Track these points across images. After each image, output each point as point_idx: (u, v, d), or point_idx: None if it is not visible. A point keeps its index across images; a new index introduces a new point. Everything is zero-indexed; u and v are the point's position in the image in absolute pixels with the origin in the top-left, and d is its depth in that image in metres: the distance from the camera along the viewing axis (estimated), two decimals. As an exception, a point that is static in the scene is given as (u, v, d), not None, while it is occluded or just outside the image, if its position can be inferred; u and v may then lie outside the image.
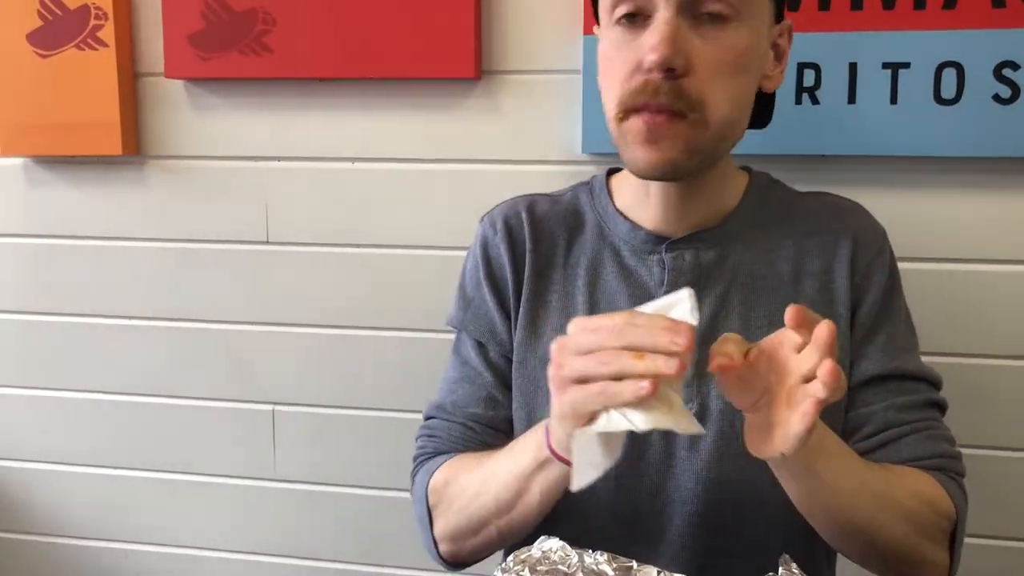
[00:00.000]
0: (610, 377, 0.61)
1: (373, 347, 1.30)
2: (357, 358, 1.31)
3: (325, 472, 1.35)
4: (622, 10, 0.76)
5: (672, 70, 0.73)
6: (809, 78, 1.09)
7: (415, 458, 0.91)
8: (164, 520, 1.43)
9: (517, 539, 0.79)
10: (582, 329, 0.64)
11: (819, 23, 1.07)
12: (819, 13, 1.07)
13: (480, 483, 0.80)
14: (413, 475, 0.90)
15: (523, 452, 0.76)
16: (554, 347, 0.65)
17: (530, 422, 0.86)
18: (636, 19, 0.76)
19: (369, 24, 1.19)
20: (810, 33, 1.08)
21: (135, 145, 1.32)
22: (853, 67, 1.08)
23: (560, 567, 0.64)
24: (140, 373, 1.39)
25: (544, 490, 0.75)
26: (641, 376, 0.59)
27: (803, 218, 0.87)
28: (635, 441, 0.82)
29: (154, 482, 1.42)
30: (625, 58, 0.76)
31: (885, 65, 1.07)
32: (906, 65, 1.07)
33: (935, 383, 0.85)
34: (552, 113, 1.20)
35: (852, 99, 1.09)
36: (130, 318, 1.37)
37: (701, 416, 0.81)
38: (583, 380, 0.63)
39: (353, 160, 1.26)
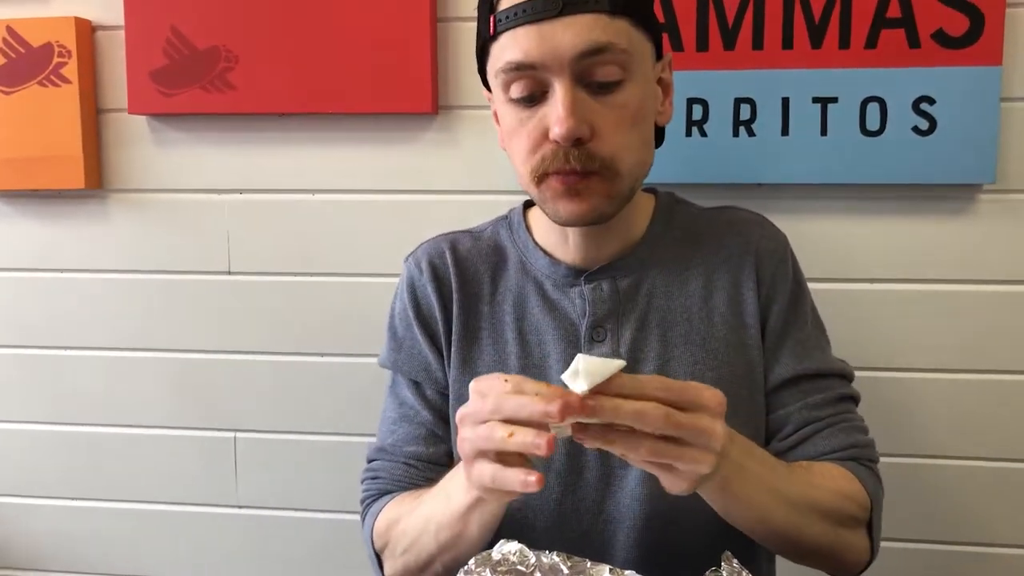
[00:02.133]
0: (495, 456, 0.65)
1: (332, 373, 1.33)
2: (319, 385, 1.34)
3: (287, 498, 1.37)
4: (518, 93, 0.79)
5: (579, 139, 0.77)
6: (745, 112, 1.17)
7: (362, 500, 0.92)
8: (128, 550, 1.43)
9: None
10: (474, 392, 0.67)
11: (754, 61, 1.15)
12: (753, 52, 1.15)
13: (421, 524, 0.81)
14: (362, 517, 0.92)
15: (456, 492, 0.76)
16: (457, 417, 0.68)
17: None
18: (534, 98, 0.79)
19: (328, 61, 1.24)
20: (746, 71, 1.15)
21: (98, 179, 1.34)
22: (786, 101, 1.16)
23: (519, 567, 0.68)
24: (102, 404, 1.40)
25: (482, 524, 0.77)
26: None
27: (708, 234, 0.92)
28: (574, 463, 0.85)
29: (117, 512, 1.42)
30: (530, 131, 0.80)
31: (815, 99, 1.16)
32: (834, 99, 1.15)
33: (846, 376, 0.90)
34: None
35: (785, 131, 1.16)
36: (93, 349, 1.39)
37: None
38: (479, 455, 0.66)
39: (313, 192, 1.31)
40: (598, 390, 0.60)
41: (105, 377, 1.39)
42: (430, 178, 1.28)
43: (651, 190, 0.96)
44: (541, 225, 0.92)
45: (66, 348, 1.39)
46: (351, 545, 1.36)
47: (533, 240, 0.92)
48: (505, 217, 0.97)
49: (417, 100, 1.24)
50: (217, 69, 1.27)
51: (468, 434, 0.67)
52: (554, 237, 0.90)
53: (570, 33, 0.76)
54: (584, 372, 0.60)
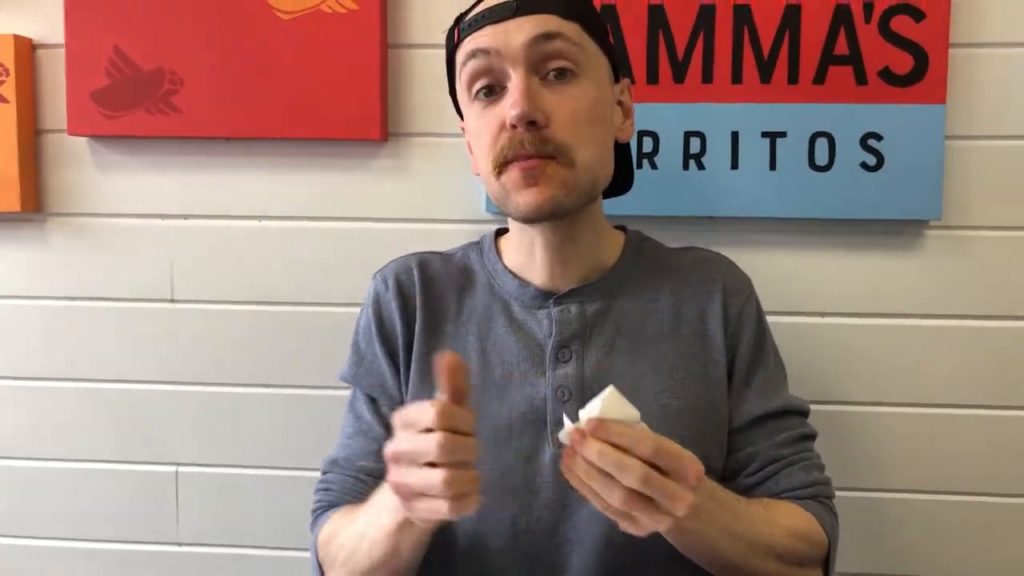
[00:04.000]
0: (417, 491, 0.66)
1: (279, 405, 1.30)
2: (263, 417, 1.31)
3: (231, 534, 1.33)
4: (479, 85, 0.85)
5: (533, 123, 0.82)
6: (695, 146, 1.17)
7: (312, 511, 0.93)
8: (58, 588, 1.37)
9: None
10: (401, 426, 0.68)
11: (704, 94, 1.16)
12: (703, 85, 1.16)
13: (355, 539, 0.82)
14: (311, 528, 0.92)
15: (384, 511, 0.77)
16: (387, 455, 0.69)
17: None
18: (493, 92, 0.85)
19: (276, 85, 1.22)
20: (695, 104, 1.16)
21: (34, 202, 1.30)
22: (735, 135, 1.16)
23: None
24: (36, 436, 1.35)
25: (411, 546, 0.78)
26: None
27: (675, 270, 0.94)
28: (529, 483, 0.85)
29: (51, 551, 1.36)
30: (489, 124, 0.85)
31: (764, 134, 1.16)
32: (783, 134, 1.16)
33: (805, 413, 0.94)
34: (457, 174, 1.24)
35: (735, 165, 1.17)
36: (27, 379, 1.34)
37: None
38: (412, 497, 0.68)
39: (260, 218, 1.28)
40: (594, 429, 0.65)
41: (40, 408, 1.34)
42: (380, 206, 1.26)
43: (621, 227, 0.98)
44: (511, 248, 0.94)
45: (1, 376, 1.34)
46: (295, 581, 1.32)
47: (503, 263, 0.94)
48: (476, 242, 0.99)
49: (366, 127, 1.22)
50: (161, 91, 1.24)
51: (401, 478, 0.67)
52: (522, 258, 0.92)
53: (526, 25, 0.83)
54: (602, 404, 0.65)
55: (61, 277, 1.32)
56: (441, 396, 0.65)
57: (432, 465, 0.64)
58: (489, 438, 0.85)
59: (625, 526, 0.68)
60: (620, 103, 0.92)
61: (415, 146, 1.25)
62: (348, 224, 1.27)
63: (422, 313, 0.92)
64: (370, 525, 0.79)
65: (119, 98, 1.25)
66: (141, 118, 1.25)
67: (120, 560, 1.35)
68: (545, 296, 0.90)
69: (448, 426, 0.64)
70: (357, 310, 1.26)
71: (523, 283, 0.92)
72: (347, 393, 1.27)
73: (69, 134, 1.27)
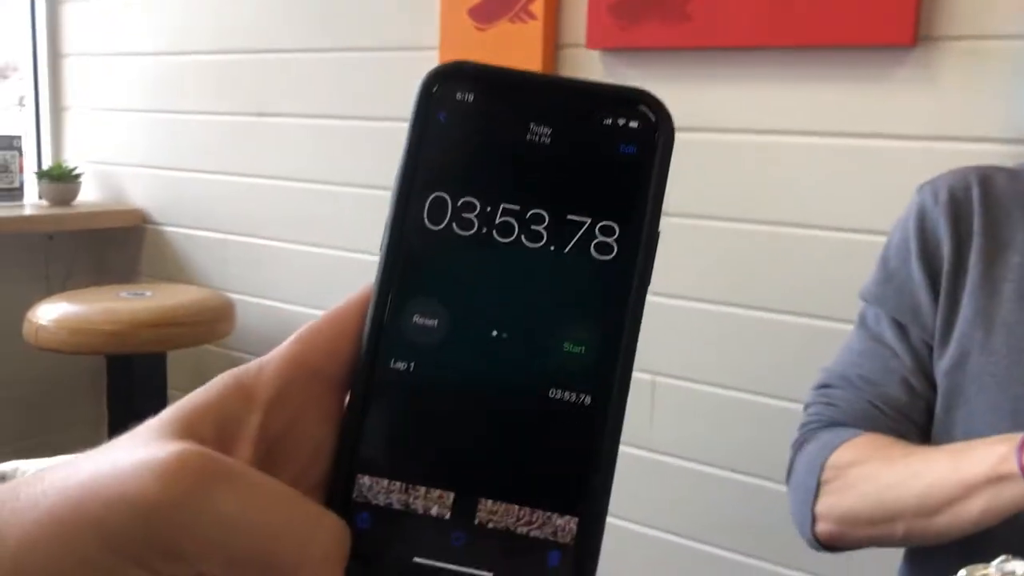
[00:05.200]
0: None
1: (792, 332, 1.26)
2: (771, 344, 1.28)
3: (701, 449, 1.34)
4: None
5: None
6: None
7: (805, 424, 0.85)
8: None
9: (923, 544, 0.73)
10: None
11: None
12: None
13: (900, 475, 0.73)
14: (801, 442, 0.84)
15: (973, 458, 0.68)
16: None
17: (958, 424, 0.77)
18: None
19: (795, -11, 1.14)
20: None
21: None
22: None
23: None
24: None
25: (990, 507, 0.67)
26: None
27: None
28: None
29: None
30: None
31: None
32: None
33: None
34: (1000, 85, 1.05)
35: None
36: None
37: None
38: None
39: (762, 132, 1.22)
40: None
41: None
42: (900, 121, 1.12)
43: None
44: None
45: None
46: None
47: None
48: None
49: (895, 29, 1.08)
50: (677, 0, 1.24)
51: None
52: None
53: None
54: None
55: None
56: None
57: None
58: None
59: None
60: None
61: (949, 52, 1.08)
62: (863, 141, 1.16)
63: (981, 239, 0.79)
64: (936, 468, 0.71)
65: (635, 9, 1.27)
66: (654, 29, 1.26)
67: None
68: None
69: None
70: (862, 237, 1.17)
71: None
72: (842, 327, 1.17)
73: (587, 48, 1.33)
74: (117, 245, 2.02)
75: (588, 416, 0.24)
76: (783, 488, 0.84)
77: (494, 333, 0.24)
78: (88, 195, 2.03)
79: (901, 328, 0.83)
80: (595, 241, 0.24)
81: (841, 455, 0.79)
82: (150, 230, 1.96)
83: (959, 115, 1.09)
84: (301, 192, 1.70)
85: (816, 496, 0.80)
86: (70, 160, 2.05)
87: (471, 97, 0.25)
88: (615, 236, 0.24)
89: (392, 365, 0.24)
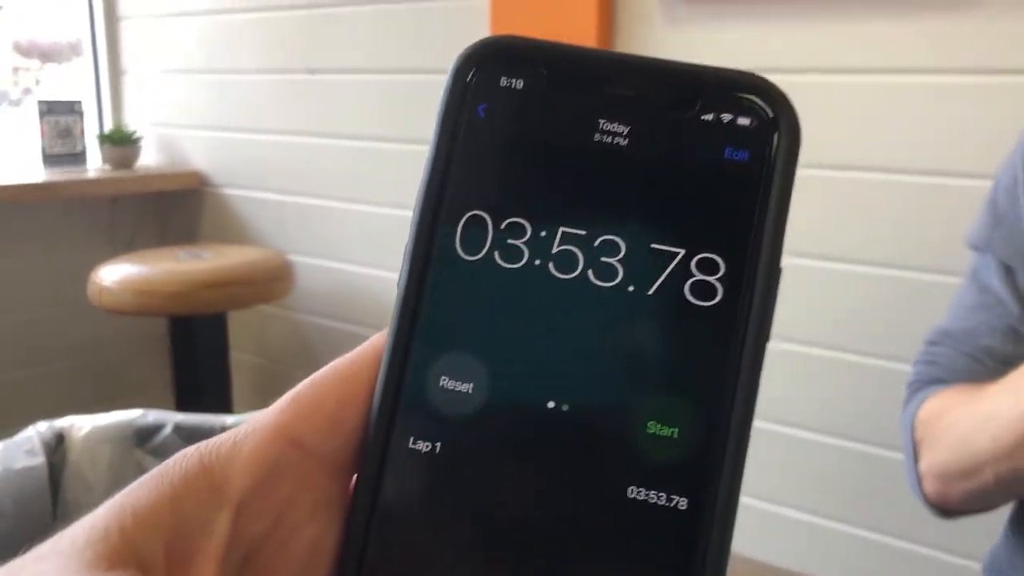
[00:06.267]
0: None
1: (880, 285, 1.19)
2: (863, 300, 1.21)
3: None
4: None
5: None
6: None
7: (908, 384, 0.81)
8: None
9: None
10: None
11: None
12: None
13: (976, 421, 0.69)
14: (905, 403, 0.80)
15: None
16: None
17: None
18: None
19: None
20: None
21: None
22: None
23: None
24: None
25: None
26: None
27: None
28: None
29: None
30: None
31: None
32: None
33: None
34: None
35: None
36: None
37: None
38: None
39: (832, 72, 1.14)
40: None
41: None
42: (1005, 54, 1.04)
43: None
44: None
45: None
46: None
47: None
48: None
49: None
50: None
51: None
52: None
53: None
54: None
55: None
56: None
57: None
58: None
59: None
60: None
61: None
62: (947, 79, 1.07)
63: None
64: (1003, 405, 0.66)
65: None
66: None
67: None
68: None
69: None
70: (967, 182, 1.08)
71: None
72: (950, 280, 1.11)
73: (647, -12, 1.26)
74: (178, 208, 2.03)
75: (683, 526, 0.17)
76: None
77: (550, 405, 0.18)
78: (148, 158, 2.05)
79: (1009, 272, 0.77)
80: (691, 280, 0.18)
81: (927, 410, 0.75)
82: (209, 193, 1.96)
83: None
84: (357, 150, 1.67)
85: (915, 457, 0.76)
86: (130, 124, 2.06)
87: (520, 84, 0.19)
88: (719, 274, 0.18)
89: (412, 445, 0.18)
